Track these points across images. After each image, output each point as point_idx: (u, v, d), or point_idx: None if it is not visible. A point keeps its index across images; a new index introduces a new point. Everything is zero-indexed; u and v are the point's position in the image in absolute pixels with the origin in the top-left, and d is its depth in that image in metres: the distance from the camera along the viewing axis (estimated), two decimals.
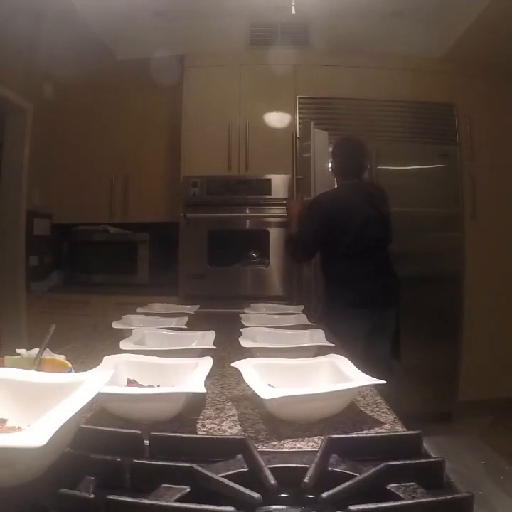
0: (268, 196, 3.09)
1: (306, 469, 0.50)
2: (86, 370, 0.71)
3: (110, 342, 1.28)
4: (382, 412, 0.82)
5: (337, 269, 2.28)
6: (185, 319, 1.61)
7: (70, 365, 0.89)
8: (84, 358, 1.22)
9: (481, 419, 2.94)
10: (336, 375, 0.88)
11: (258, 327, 1.41)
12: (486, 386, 3.13)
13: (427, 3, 3.03)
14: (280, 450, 0.66)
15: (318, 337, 1.28)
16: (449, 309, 3.15)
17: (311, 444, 0.68)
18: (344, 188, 2.36)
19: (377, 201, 2.31)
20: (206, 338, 1.23)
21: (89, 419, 0.76)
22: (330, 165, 2.55)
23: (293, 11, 2.62)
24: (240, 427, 0.75)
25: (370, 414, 0.81)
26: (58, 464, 0.49)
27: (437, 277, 3.11)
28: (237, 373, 0.87)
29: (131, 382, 0.88)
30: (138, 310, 1.82)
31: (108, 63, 3.34)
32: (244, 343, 1.16)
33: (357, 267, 2.21)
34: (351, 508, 0.41)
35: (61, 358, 0.95)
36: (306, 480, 0.48)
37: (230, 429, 0.74)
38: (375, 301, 2.20)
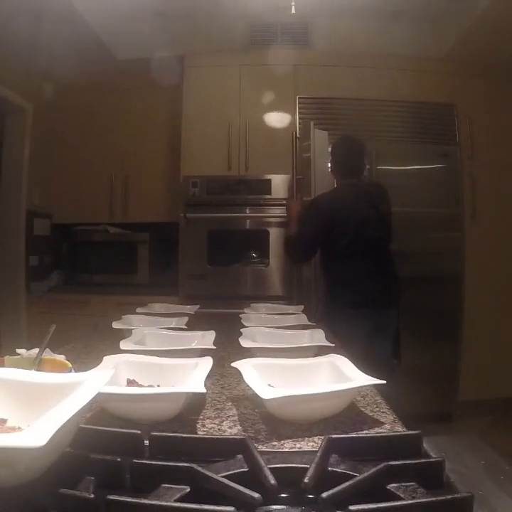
0: (268, 196, 3.09)
1: (306, 469, 0.50)
2: (86, 370, 0.71)
3: (110, 342, 1.28)
4: (382, 412, 0.82)
5: (337, 269, 2.28)
6: (185, 319, 1.61)
7: (70, 365, 0.89)
8: (84, 358, 1.22)
9: (481, 419, 2.94)
10: (336, 375, 0.88)
11: (258, 327, 1.41)
12: (486, 386, 3.13)
13: (427, 3, 3.03)
14: (280, 450, 0.66)
15: (318, 337, 1.28)
16: (449, 309, 3.15)
17: (311, 444, 0.68)
18: (343, 188, 2.36)
19: (377, 201, 2.31)
20: (206, 338, 1.23)
21: (89, 419, 0.76)
22: (329, 164, 2.55)
23: (293, 11, 2.62)
24: (239, 427, 0.75)
25: (370, 414, 0.81)
26: (58, 464, 0.49)
27: (437, 277, 3.11)
28: (237, 373, 0.87)
29: (131, 382, 0.88)
30: (138, 310, 1.82)
31: (108, 63, 3.34)
32: (244, 343, 1.16)
33: (356, 267, 2.21)
34: (351, 508, 0.41)
35: (61, 358, 0.95)
36: (306, 480, 0.48)
37: (230, 429, 0.74)
38: (375, 302, 2.19)
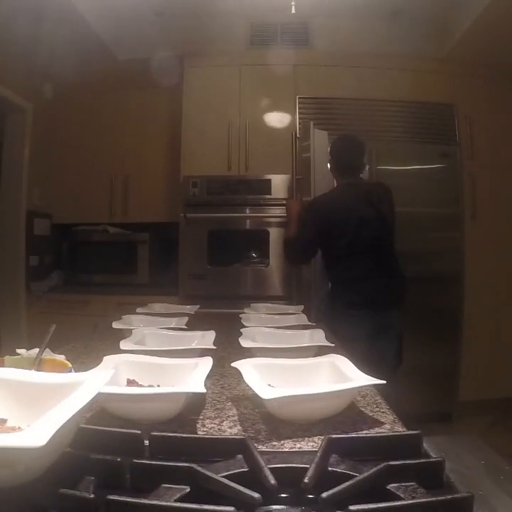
0: (268, 196, 3.09)
1: (306, 469, 0.50)
2: (86, 370, 0.71)
3: (110, 342, 1.28)
4: (382, 412, 0.82)
5: (337, 269, 2.28)
6: (185, 319, 1.61)
7: (70, 365, 0.89)
8: (84, 358, 1.22)
9: (481, 419, 2.94)
10: (336, 375, 0.88)
11: (258, 327, 1.41)
12: (486, 386, 3.13)
13: (427, 3, 3.03)
14: (280, 450, 0.66)
15: (318, 337, 1.28)
16: (449, 309, 3.15)
17: (311, 444, 0.68)
18: (342, 189, 2.35)
19: (378, 200, 2.29)
20: (206, 338, 1.23)
21: (89, 419, 0.76)
22: (328, 164, 2.54)
23: (293, 11, 2.62)
24: (239, 427, 0.75)
25: (370, 414, 0.81)
26: (58, 464, 0.49)
27: (437, 277, 3.11)
28: (237, 373, 0.87)
29: (131, 382, 0.88)
30: (138, 310, 1.82)
31: (108, 63, 3.34)
32: (244, 343, 1.16)
33: (356, 267, 2.20)
34: (351, 508, 0.41)
35: (61, 358, 0.95)
36: (306, 480, 0.48)
37: (230, 429, 0.74)
38: (375, 302, 2.17)
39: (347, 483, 0.47)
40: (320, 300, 2.50)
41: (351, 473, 0.51)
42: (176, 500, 0.46)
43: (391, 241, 2.30)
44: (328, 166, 2.55)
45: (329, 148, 2.48)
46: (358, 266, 2.20)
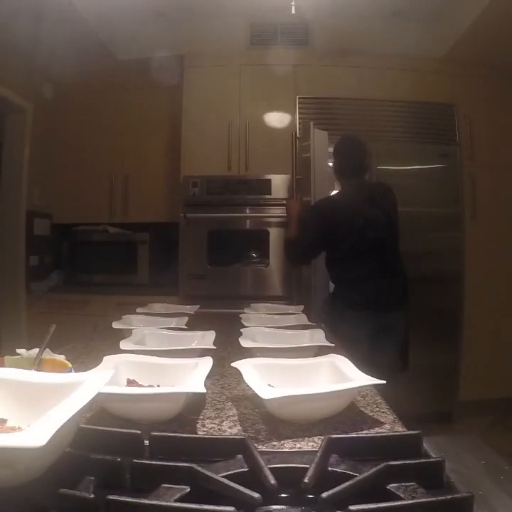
0: (268, 196, 3.09)
1: (306, 469, 0.50)
2: (86, 370, 0.71)
3: (110, 342, 1.28)
4: (382, 412, 0.82)
5: (340, 270, 2.27)
6: (185, 319, 1.61)
7: (70, 365, 0.89)
8: (84, 358, 1.22)
9: (481, 419, 2.94)
10: (336, 375, 0.88)
11: (258, 327, 1.41)
12: (486, 386, 3.13)
13: (427, 3, 3.03)
14: (280, 450, 0.66)
15: (318, 337, 1.28)
16: (449, 309, 3.15)
17: (311, 444, 0.68)
18: (345, 190, 2.34)
19: (381, 200, 2.28)
20: (206, 338, 1.24)
21: (89, 419, 0.76)
22: (331, 164, 2.53)
23: (293, 11, 2.62)
24: (239, 427, 0.75)
25: (370, 414, 0.81)
26: (58, 464, 0.49)
27: (437, 277, 3.11)
28: (237, 373, 0.87)
29: (131, 382, 0.88)
30: (138, 310, 1.82)
31: (108, 63, 3.34)
32: (244, 343, 1.16)
33: (359, 268, 2.19)
34: (351, 508, 0.41)
35: (61, 358, 0.95)
36: (306, 480, 0.48)
37: (230, 429, 0.74)
38: (377, 303, 2.15)
39: (347, 483, 0.46)
40: (323, 301, 2.49)
41: (351, 473, 0.51)
42: (176, 500, 0.46)
43: (395, 241, 2.28)
44: (330, 166, 2.54)
45: (332, 150, 2.47)
46: (361, 267, 2.19)
